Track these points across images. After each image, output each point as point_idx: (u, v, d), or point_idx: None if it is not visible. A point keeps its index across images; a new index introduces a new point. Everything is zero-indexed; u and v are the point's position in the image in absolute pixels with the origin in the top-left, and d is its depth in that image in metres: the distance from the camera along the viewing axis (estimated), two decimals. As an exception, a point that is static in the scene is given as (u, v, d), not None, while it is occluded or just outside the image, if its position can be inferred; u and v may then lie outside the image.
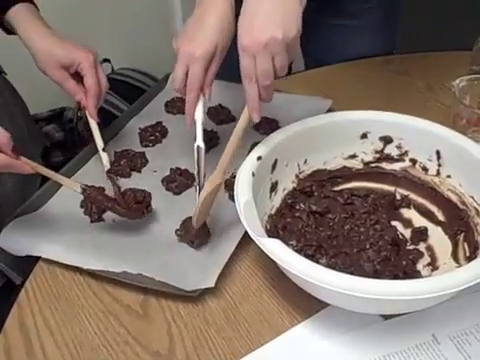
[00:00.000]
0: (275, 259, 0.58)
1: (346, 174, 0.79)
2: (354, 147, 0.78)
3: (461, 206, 0.72)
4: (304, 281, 0.57)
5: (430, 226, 0.73)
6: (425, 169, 0.76)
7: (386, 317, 0.63)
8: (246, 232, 0.62)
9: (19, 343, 0.64)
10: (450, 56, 1.09)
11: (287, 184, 0.76)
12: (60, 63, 0.81)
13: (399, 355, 0.60)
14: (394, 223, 0.74)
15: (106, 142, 0.87)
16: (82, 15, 1.63)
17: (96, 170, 0.85)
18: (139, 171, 0.86)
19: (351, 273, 0.63)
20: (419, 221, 0.75)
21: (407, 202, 0.77)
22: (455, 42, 1.08)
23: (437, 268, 0.68)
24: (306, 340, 0.63)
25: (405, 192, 0.78)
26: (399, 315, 0.63)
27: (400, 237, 0.71)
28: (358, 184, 0.79)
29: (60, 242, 0.73)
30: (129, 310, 0.67)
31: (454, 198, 0.73)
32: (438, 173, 0.75)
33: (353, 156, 0.79)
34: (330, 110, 0.90)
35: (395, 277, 0.65)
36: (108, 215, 0.76)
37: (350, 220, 0.72)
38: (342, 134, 0.77)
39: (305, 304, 0.65)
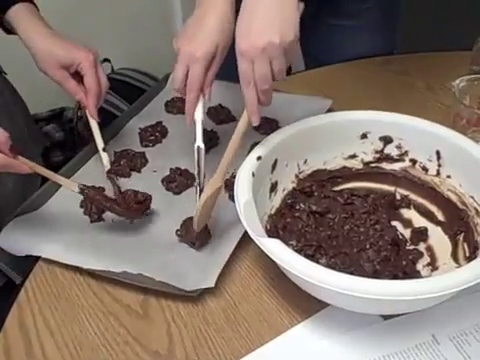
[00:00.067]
0: (275, 259, 0.58)
1: (346, 174, 0.79)
2: (354, 147, 0.78)
3: (461, 206, 0.72)
4: (304, 281, 0.57)
5: (430, 226, 0.73)
6: (425, 169, 0.76)
7: (386, 317, 0.63)
8: (246, 232, 0.62)
9: (19, 343, 0.64)
10: (450, 56, 1.09)
11: (287, 184, 0.76)
12: (60, 63, 0.81)
13: (399, 355, 0.60)
14: (394, 223, 0.74)
15: (106, 142, 0.87)
16: (82, 15, 1.63)
17: (96, 170, 0.85)
18: (139, 171, 0.86)
19: (351, 273, 0.63)
20: (419, 221, 0.75)
21: (407, 202, 0.77)
22: (455, 42, 1.08)
23: (437, 268, 0.68)
24: (306, 340, 0.63)
25: (405, 192, 0.78)
26: (399, 315, 0.63)
27: (400, 237, 0.71)
28: (358, 184, 0.79)
29: (60, 242, 0.73)
30: (129, 310, 0.67)
31: (454, 198, 0.73)
32: (438, 173, 0.75)
33: (353, 156, 0.79)
34: (330, 110, 0.90)
35: (395, 277, 0.65)
36: (108, 215, 0.76)
37: (350, 220, 0.72)
38: (342, 134, 0.77)
39: (305, 304, 0.65)
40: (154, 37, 1.75)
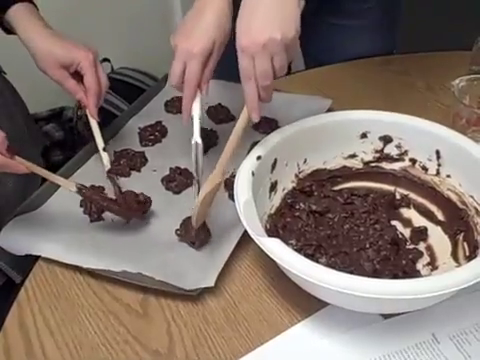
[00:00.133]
0: (275, 258, 0.58)
1: (346, 174, 0.80)
2: (354, 147, 0.78)
3: (461, 206, 0.72)
4: (304, 280, 0.57)
5: (430, 226, 0.73)
6: (425, 169, 0.76)
7: (386, 316, 0.63)
8: (246, 231, 0.62)
9: (19, 342, 0.64)
10: (450, 56, 1.10)
11: (287, 184, 0.76)
12: (60, 62, 0.81)
13: (399, 354, 0.60)
14: (394, 223, 0.74)
15: (106, 141, 0.87)
16: (82, 15, 1.63)
17: (96, 169, 0.85)
18: (139, 170, 0.86)
19: (351, 272, 0.63)
20: (419, 221, 0.75)
21: (407, 202, 0.77)
22: (455, 42, 1.08)
23: (437, 268, 0.68)
24: (306, 339, 0.63)
25: (405, 192, 0.78)
26: (399, 314, 0.63)
27: (400, 236, 0.71)
28: (358, 184, 0.80)
29: (60, 241, 0.73)
30: (129, 309, 0.67)
31: (454, 198, 0.73)
32: (438, 173, 0.75)
33: (353, 156, 0.79)
34: (330, 110, 0.90)
35: (395, 276, 0.65)
36: (108, 214, 0.76)
37: (350, 220, 0.72)
38: (342, 134, 0.77)
39: (305, 303, 0.65)
40: (154, 37, 1.74)
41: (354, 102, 0.86)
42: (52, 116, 1.61)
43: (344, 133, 0.77)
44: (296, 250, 0.65)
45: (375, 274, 0.65)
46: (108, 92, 0.88)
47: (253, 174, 0.68)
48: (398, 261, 0.67)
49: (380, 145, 0.78)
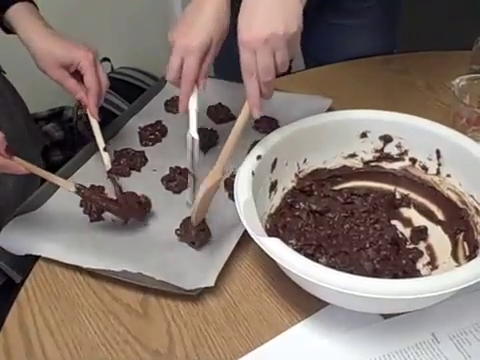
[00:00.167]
0: (275, 258, 0.58)
1: (346, 173, 0.79)
2: (354, 146, 0.78)
3: (461, 205, 0.72)
4: (304, 280, 0.57)
5: (430, 225, 0.73)
6: (425, 168, 0.76)
7: (386, 316, 0.63)
8: (246, 231, 0.62)
9: (19, 342, 0.64)
10: (450, 55, 1.09)
11: (287, 183, 0.76)
12: (60, 62, 0.81)
13: (399, 354, 0.60)
14: (394, 222, 0.74)
15: (106, 141, 0.87)
16: (82, 15, 1.63)
17: (96, 169, 0.85)
18: (139, 170, 0.86)
19: (351, 272, 0.62)
20: (419, 220, 0.75)
21: (407, 201, 0.77)
22: (455, 41, 1.08)
23: (437, 267, 0.68)
24: (306, 339, 0.63)
25: (405, 191, 0.78)
26: (399, 314, 0.63)
27: (400, 236, 0.71)
28: (358, 183, 0.79)
29: (60, 241, 0.73)
30: (129, 309, 0.67)
31: (454, 197, 0.73)
32: (438, 172, 0.75)
33: (353, 155, 0.79)
34: (330, 109, 0.90)
35: (395, 276, 0.65)
36: (108, 214, 0.76)
37: (350, 219, 0.72)
38: (342, 133, 0.77)
39: (305, 303, 0.65)
40: (154, 36, 1.74)
41: (354, 101, 0.86)
42: (52, 116, 1.61)
43: (344, 133, 0.77)
44: (296, 250, 0.65)
45: (375, 274, 0.65)
46: (108, 92, 0.88)
47: (253, 174, 0.68)
48: (398, 261, 0.67)
49: (380, 144, 0.78)
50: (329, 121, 0.76)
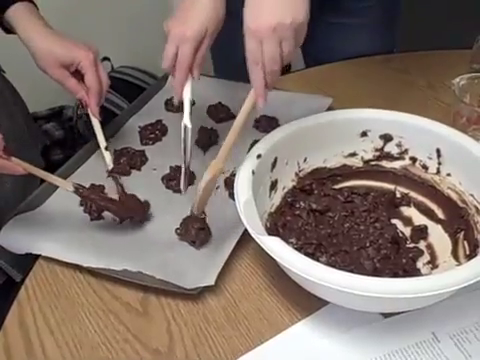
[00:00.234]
0: (275, 257, 0.58)
1: (346, 172, 0.79)
2: (354, 145, 0.78)
3: (461, 204, 0.72)
4: (304, 279, 0.57)
5: (430, 224, 0.73)
6: (425, 167, 0.76)
7: (386, 315, 0.63)
8: (246, 230, 0.62)
9: (19, 341, 0.64)
10: (450, 54, 1.09)
11: (287, 182, 0.76)
12: (60, 62, 0.81)
13: (399, 353, 0.60)
14: (394, 221, 0.74)
15: (107, 140, 0.87)
16: (82, 14, 1.63)
17: (96, 168, 0.85)
18: (139, 169, 0.86)
19: (351, 271, 0.62)
20: (419, 219, 0.75)
21: (407, 200, 0.77)
22: (455, 41, 1.08)
23: (437, 266, 0.68)
24: (306, 338, 0.63)
25: (405, 190, 0.78)
26: (399, 313, 0.63)
27: (400, 235, 0.71)
28: (358, 182, 0.79)
29: (60, 240, 0.73)
30: (129, 308, 0.67)
31: (454, 196, 0.73)
32: (438, 171, 0.75)
33: (353, 154, 0.79)
34: (330, 108, 0.90)
35: (395, 275, 0.65)
36: (108, 213, 0.76)
37: (350, 218, 0.72)
38: (342, 132, 0.77)
39: (305, 302, 0.65)
40: (154, 36, 1.73)
41: (354, 101, 0.86)
42: (52, 115, 1.61)
43: (344, 132, 0.77)
44: (296, 249, 0.65)
45: (375, 273, 0.65)
46: (108, 91, 0.88)
47: (253, 173, 0.68)
48: (398, 260, 0.67)
49: (380, 143, 0.78)
50: (329, 120, 0.76)
